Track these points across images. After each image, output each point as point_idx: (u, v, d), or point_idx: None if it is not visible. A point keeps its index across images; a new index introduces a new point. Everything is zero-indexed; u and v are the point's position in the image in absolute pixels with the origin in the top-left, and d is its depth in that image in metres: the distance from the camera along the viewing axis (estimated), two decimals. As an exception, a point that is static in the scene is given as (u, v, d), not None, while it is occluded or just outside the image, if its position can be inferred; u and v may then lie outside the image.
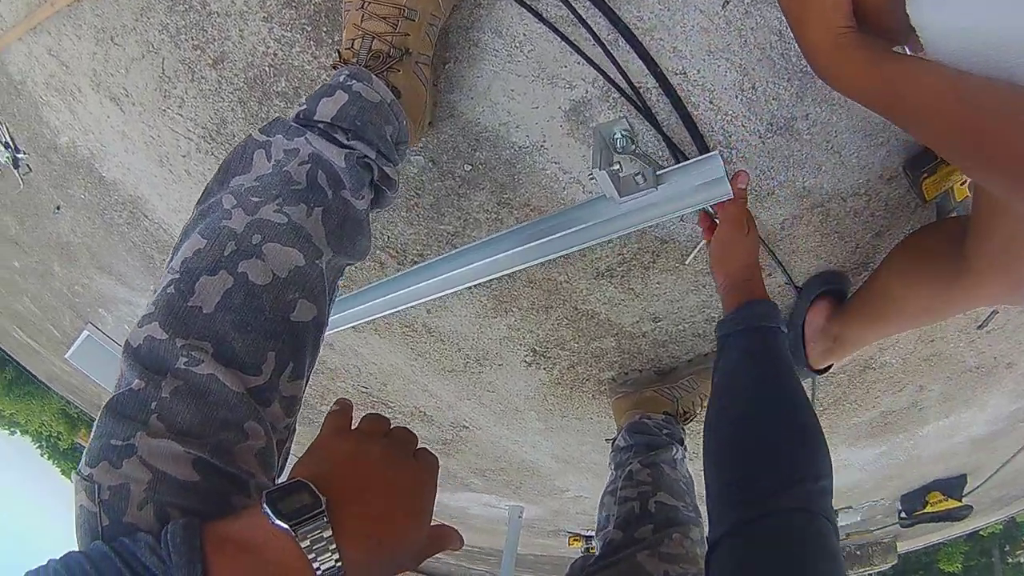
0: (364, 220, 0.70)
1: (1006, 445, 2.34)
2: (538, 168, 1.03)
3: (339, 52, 0.75)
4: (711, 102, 0.87)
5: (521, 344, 1.48)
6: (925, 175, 0.88)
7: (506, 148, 1.01)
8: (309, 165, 0.64)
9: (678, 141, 0.92)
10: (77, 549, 0.45)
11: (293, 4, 0.87)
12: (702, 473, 0.78)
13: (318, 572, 0.43)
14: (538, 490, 2.55)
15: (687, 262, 1.14)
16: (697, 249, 1.11)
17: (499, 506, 2.88)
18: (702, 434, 0.80)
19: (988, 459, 2.45)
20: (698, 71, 0.84)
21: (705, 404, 1.37)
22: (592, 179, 1.00)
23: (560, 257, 1.17)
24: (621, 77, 0.86)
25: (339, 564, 0.44)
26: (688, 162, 0.85)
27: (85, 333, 2.27)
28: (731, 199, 0.87)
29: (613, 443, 1.35)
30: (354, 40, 0.73)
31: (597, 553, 1.02)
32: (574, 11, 0.80)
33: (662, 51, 0.83)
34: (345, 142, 0.67)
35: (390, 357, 1.63)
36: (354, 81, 0.69)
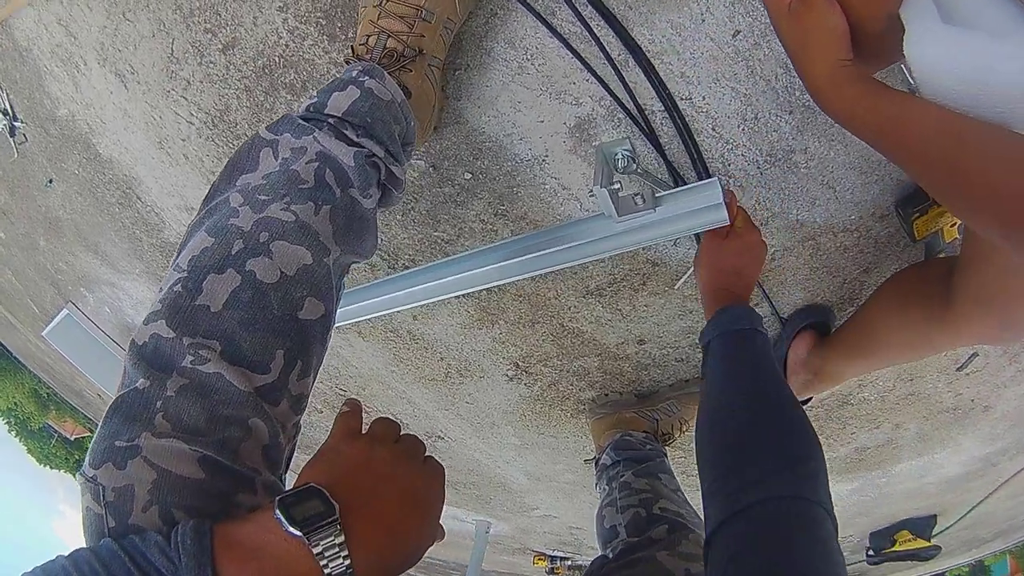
0: (371, 219, 0.70)
1: (977, 488, 2.35)
2: (538, 182, 1.04)
3: (352, 48, 0.75)
4: (714, 129, 0.89)
5: (504, 357, 1.47)
6: (916, 215, 0.90)
7: (508, 159, 1.02)
8: (317, 163, 0.64)
9: (678, 165, 0.94)
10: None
11: (310, -5, 0.88)
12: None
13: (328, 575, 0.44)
14: (507, 507, 2.53)
15: (676, 287, 1.15)
16: (687, 275, 1.12)
17: (466, 520, 2.86)
18: (694, 440, 0.80)
19: (959, 500, 2.47)
20: (703, 97, 0.86)
21: (684, 429, 1.38)
22: (592, 196, 1.01)
23: (551, 272, 1.18)
24: (628, 98, 0.87)
25: (349, 569, 0.44)
26: (688, 186, 0.86)
27: (65, 312, 2.23)
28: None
29: (597, 463, 1.35)
30: (369, 36, 0.74)
31: (610, 558, 1.02)
32: (588, 28, 0.81)
33: (670, 75, 0.85)
34: (355, 139, 0.67)
35: (371, 361, 1.62)
36: (367, 77, 0.70)
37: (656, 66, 0.85)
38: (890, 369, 1.37)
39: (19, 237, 2.07)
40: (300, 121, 0.67)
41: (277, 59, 0.97)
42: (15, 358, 3.82)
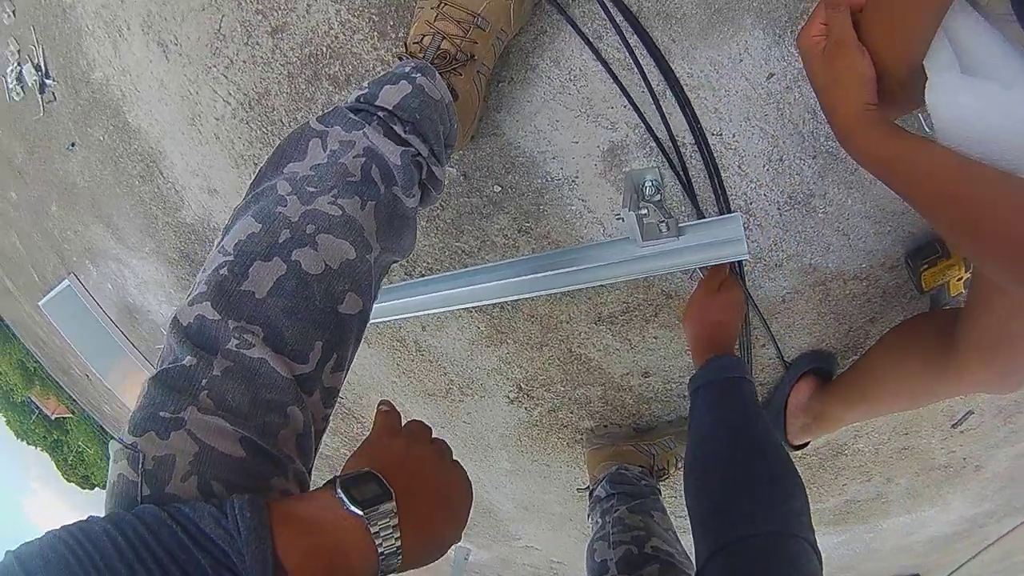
0: (412, 217, 0.71)
1: (963, 549, 2.33)
2: (565, 202, 1.06)
3: (406, 45, 0.78)
4: (739, 166, 0.91)
5: (508, 378, 1.47)
6: (925, 266, 0.93)
7: (538, 176, 1.04)
8: (364, 159, 0.65)
9: (702, 199, 0.96)
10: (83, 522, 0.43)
11: (369, -9, 0.91)
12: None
13: (380, 555, 0.46)
14: (491, 534, 2.49)
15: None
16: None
17: (445, 544, 2.81)
18: (683, 483, 0.83)
19: (944, 561, 2.46)
20: (733, 135, 0.89)
21: (680, 466, 1.39)
22: (618, 219, 1.03)
23: (566, 295, 1.20)
24: (663, 127, 0.90)
25: (399, 549, 0.47)
26: (711, 219, 0.89)
27: (66, 283, 2.20)
28: (713, 273, 0.98)
29: (591, 494, 1.36)
30: (424, 36, 0.76)
31: None
32: (633, 56, 0.84)
33: (704, 110, 0.88)
34: (402, 135, 0.68)
35: (373, 370, 1.61)
36: (418, 74, 0.71)
37: (692, 100, 0.87)
38: (886, 422, 1.39)
39: (31, 200, 2.07)
40: (351, 115, 0.68)
41: (324, 49, 0.99)
42: (6, 326, 3.77)
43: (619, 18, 0.82)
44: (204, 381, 0.50)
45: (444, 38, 0.75)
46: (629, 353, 1.27)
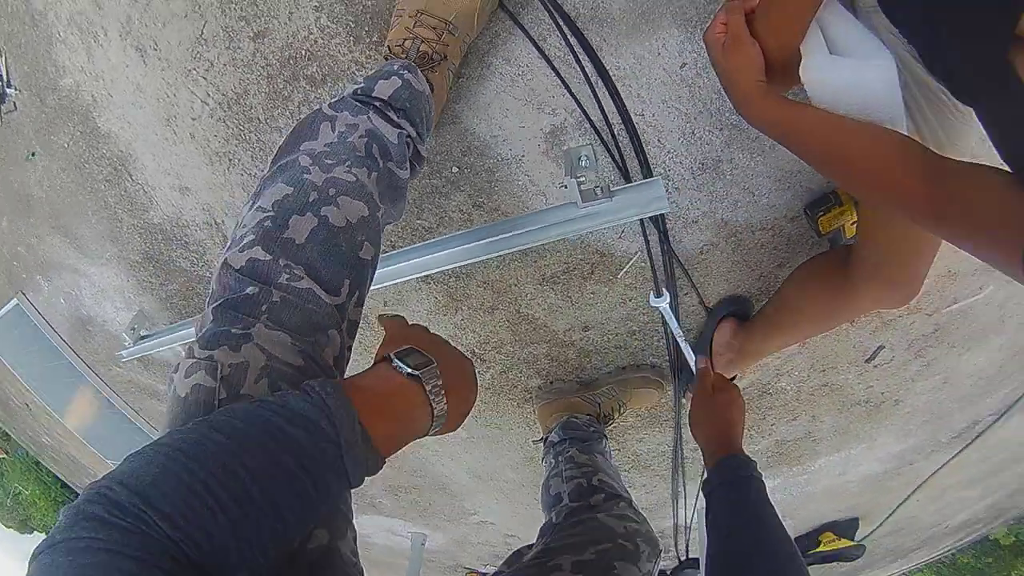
0: (404, 187, 0.87)
1: (897, 488, 2.47)
2: (513, 179, 1.24)
3: (389, 47, 0.95)
4: (659, 140, 1.13)
5: (463, 345, 1.62)
6: (821, 214, 1.16)
7: (491, 157, 1.22)
8: (366, 139, 0.81)
9: (630, 167, 1.17)
10: (175, 429, 0.48)
11: (346, 0, 1.06)
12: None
13: (434, 412, 0.57)
14: (446, 513, 2.61)
15: (619, 276, 1.37)
16: (629, 264, 1.35)
17: (402, 534, 2.88)
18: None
19: (881, 503, 2.59)
20: (653, 114, 1.10)
21: (623, 411, 1.59)
22: (562, 186, 1.22)
23: (514, 260, 1.37)
24: (597, 111, 1.10)
25: (445, 410, 0.58)
26: (637, 183, 1.09)
27: (13, 303, 2.15)
28: (700, 376, 1.21)
29: (546, 441, 1.54)
30: (405, 40, 0.93)
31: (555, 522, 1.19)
32: (574, 54, 1.04)
33: (629, 95, 1.09)
34: (396, 120, 0.85)
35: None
36: (405, 71, 0.88)
37: (619, 88, 1.08)
38: (804, 360, 1.60)
39: None
40: (355, 102, 0.84)
41: (303, 52, 1.14)
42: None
43: (561, 22, 1.01)
44: (265, 307, 0.63)
45: (423, 42, 0.92)
46: (571, 309, 1.47)
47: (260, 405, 0.49)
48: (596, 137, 1.15)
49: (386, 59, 0.94)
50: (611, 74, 1.07)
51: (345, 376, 0.71)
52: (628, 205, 1.09)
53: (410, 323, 0.73)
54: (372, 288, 1.34)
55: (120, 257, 1.75)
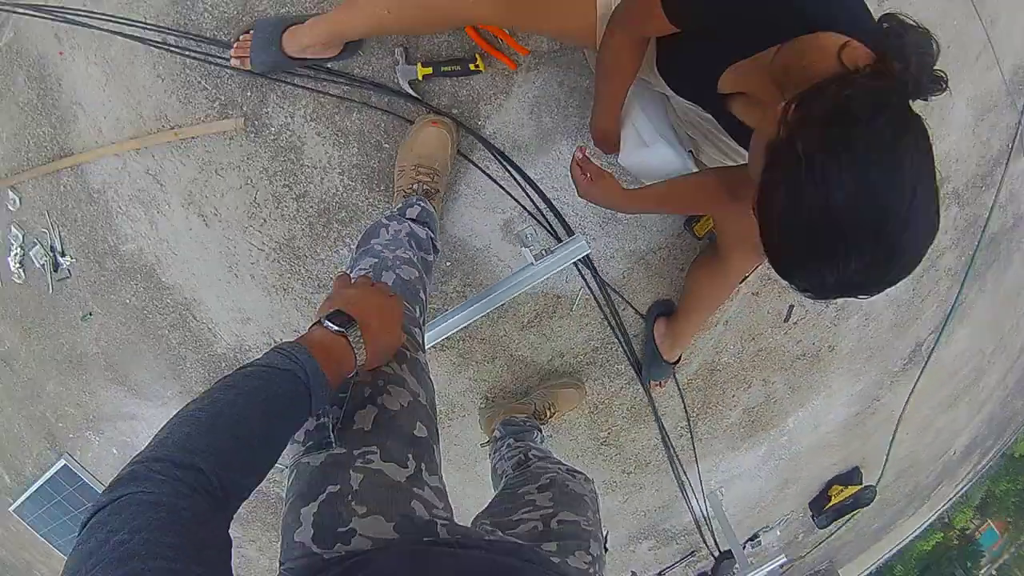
0: (431, 264, 1.40)
1: (877, 428, 2.56)
2: (486, 260, 1.81)
3: (403, 191, 1.53)
4: (573, 211, 1.76)
5: (479, 394, 2.06)
6: (694, 224, 1.78)
7: (469, 249, 1.79)
8: (408, 236, 1.35)
9: (559, 232, 1.78)
10: (196, 398, 0.66)
11: (359, 165, 1.64)
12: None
13: (357, 359, 0.76)
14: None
15: (573, 309, 1.95)
16: (578, 298, 1.93)
17: None
18: None
19: (870, 447, 2.69)
20: (565, 197, 1.73)
21: (553, 411, 1.99)
22: (519, 255, 1.82)
23: (500, 316, 1.90)
24: (531, 204, 1.73)
25: (364, 355, 0.77)
26: (566, 241, 1.71)
27: (60, 463, 2.29)
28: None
29: (491, 441, 1.86)
30: (412, 184, 1.51)
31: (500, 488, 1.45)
32: (508, 171, 1.67)
33: (547, 188, 1.71)
34: (422, 225, 1.42)
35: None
36: (421, 202, 1.45)
37: (540, 186, 1.71)
38: (732, 335, 2.01)
39: (18, 387, 2.25)
40: (398, 216, 1.39)
41: (334, 203, 1.69)
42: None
43: (495, 154, 1.64)
44: (393, 276, 1.15)
45: (424, 184, 1.51)
46: (547, 343, 1.99)
47: (254, 371, 0.68)
48: (533, 220, 1.76)
49: (404, 196, 1.51)
50: (532, 178, 1.70)
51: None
52: (565, 257, 1.70)
53: (350, 282, 0.93)
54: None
55: (183, 391, 2.05)
